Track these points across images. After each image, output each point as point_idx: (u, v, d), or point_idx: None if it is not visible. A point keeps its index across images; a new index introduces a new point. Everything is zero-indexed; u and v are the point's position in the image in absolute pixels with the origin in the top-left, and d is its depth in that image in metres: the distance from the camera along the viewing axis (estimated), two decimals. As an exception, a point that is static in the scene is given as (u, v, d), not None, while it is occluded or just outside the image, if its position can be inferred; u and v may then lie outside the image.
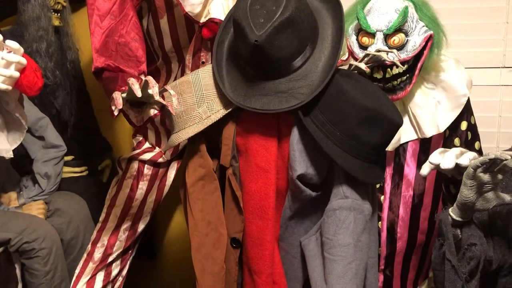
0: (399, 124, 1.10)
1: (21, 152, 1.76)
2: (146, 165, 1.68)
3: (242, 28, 1.05)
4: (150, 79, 1.05)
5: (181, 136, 1.17)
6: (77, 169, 1.93)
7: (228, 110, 1.18)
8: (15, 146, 1.33)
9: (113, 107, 1.08)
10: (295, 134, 1.12)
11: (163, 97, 1.11)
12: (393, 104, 1.15)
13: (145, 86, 1.07)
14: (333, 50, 1.11)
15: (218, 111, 1.17)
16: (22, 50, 1.16)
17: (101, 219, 1.67)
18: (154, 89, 1.05)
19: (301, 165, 1.10)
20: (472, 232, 1.06)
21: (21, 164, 1.79)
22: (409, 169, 1.46)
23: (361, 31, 1.36)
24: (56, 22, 1.83)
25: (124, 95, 1.09)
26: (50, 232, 1.57)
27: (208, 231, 1.22)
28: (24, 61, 1.16)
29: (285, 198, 1.17)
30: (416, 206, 1.48)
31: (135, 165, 1.67)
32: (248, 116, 1.17)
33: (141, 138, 1.73)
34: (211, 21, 1.37)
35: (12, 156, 1.31)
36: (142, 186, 1.68)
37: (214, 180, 1.21)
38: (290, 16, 1.04)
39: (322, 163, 1.13)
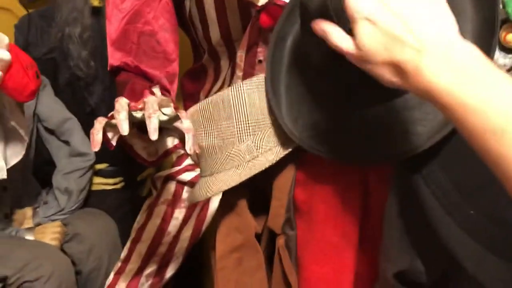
0: None
1: (46, 157, 1.55)
2: (185, 188, 1.35)
3: (316, 16, 0.63)
4: (150, 100, 0.65)
5: (212, 187, 0.77)
6: (110, 181, 1.65)
7: (287, 151, 0.75)
8: (14, 161, 1.17)
9: (97, 136, 0.68)
10: (393, 201, 0.68)
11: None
12: None
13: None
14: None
15: (269, 150, 0.76)
16: (5, 40, 0.87)
17: (122, 256, 1.35)
18: (167, 110, 0.68)
19: (401, 255, 0.67)
20: None
21: (46, 172, 1.55)
22: None
23: (505, 23, 0.90)
24: (95, 2, 1.57)
25: (114, 121, 0.71)
26: (60, 266, 1.30)
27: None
28: (6, 56, 0.91)
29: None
30: None
31: (172, 186, 1.34)
32: (315, 160, 0.75)
33: (183, 152, 1.40)
34: (273, 3, 0.98)
35: (5, 177, 1.13)
36: (178, 215, 1.34)
37: (256, 253, 0.81)
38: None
39: (438, 253, 0.68)
